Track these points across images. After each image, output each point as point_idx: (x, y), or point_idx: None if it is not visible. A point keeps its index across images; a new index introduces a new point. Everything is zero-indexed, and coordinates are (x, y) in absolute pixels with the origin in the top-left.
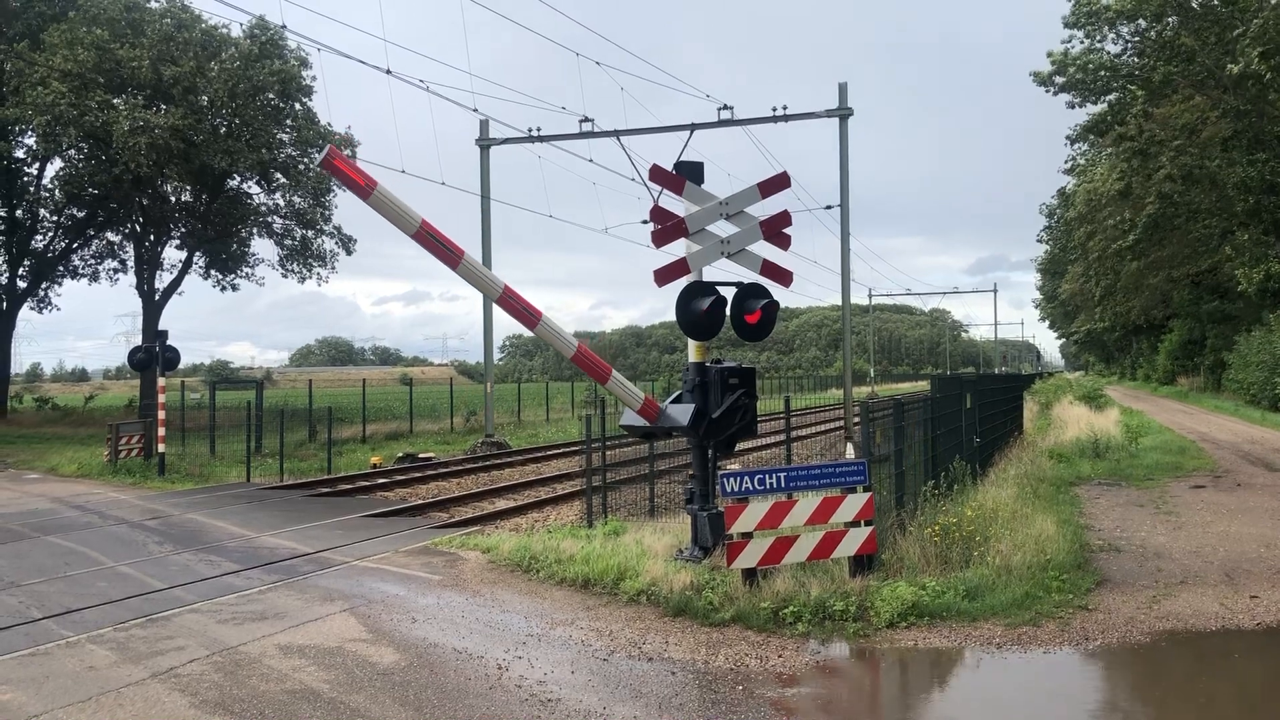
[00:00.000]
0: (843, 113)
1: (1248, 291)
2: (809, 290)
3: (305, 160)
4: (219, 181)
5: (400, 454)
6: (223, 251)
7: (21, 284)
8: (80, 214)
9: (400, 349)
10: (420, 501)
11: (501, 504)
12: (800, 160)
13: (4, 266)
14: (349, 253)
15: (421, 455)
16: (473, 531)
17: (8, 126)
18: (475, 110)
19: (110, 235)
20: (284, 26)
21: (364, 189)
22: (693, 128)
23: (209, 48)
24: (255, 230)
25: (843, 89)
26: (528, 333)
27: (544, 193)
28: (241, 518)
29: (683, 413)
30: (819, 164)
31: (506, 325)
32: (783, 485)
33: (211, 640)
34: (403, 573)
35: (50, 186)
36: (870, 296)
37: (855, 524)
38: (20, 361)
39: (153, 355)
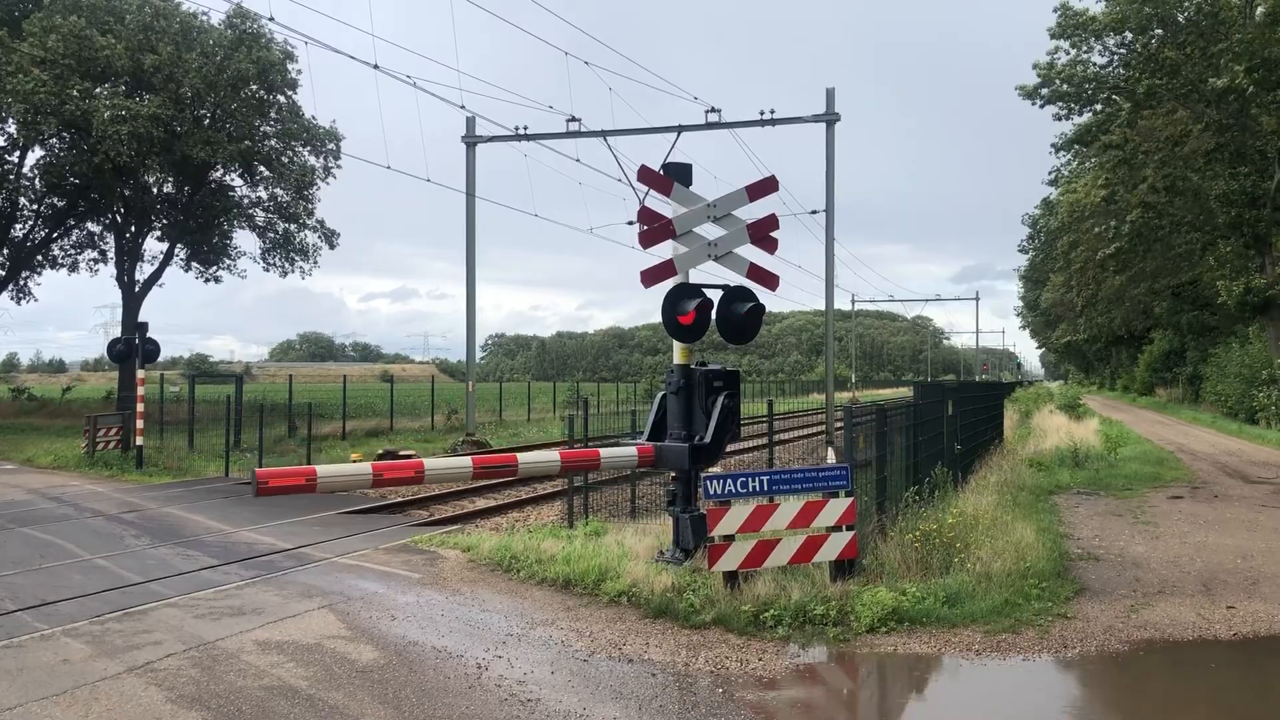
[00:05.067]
0: (830, 118)
1: (1228, 304)
2: (792, 295)
3: (289, 153)
4: (201, 173)
5: (380, 451)
6: (204, 244)
7: (0, 273)
8: (61, 203)
9: (382, 346)
10: (400, 499)
11: (482, 503)
12: (787, 164)
13: None
14: (332, 247)
15: (402, 453)
16: (453, 530)
17: None
18: (463, 107)
19: (91, 225)
20: (271, 18)
21: (308, 486)
22: (680, 129)
23: (188, 36)
24: (237, 223)
25: (830, 94)
26: (510, 332)
27: (530, 192)
28: (219, 512)
29: (679, 453)
30: (805, 169)
31: (490, 324)
32: (765, 489)
33: (188, 635)
34: (382, 570)
35: (30, 175)
36: (853, 302)
37: (837, 529)
38: None
39: (132, 347)
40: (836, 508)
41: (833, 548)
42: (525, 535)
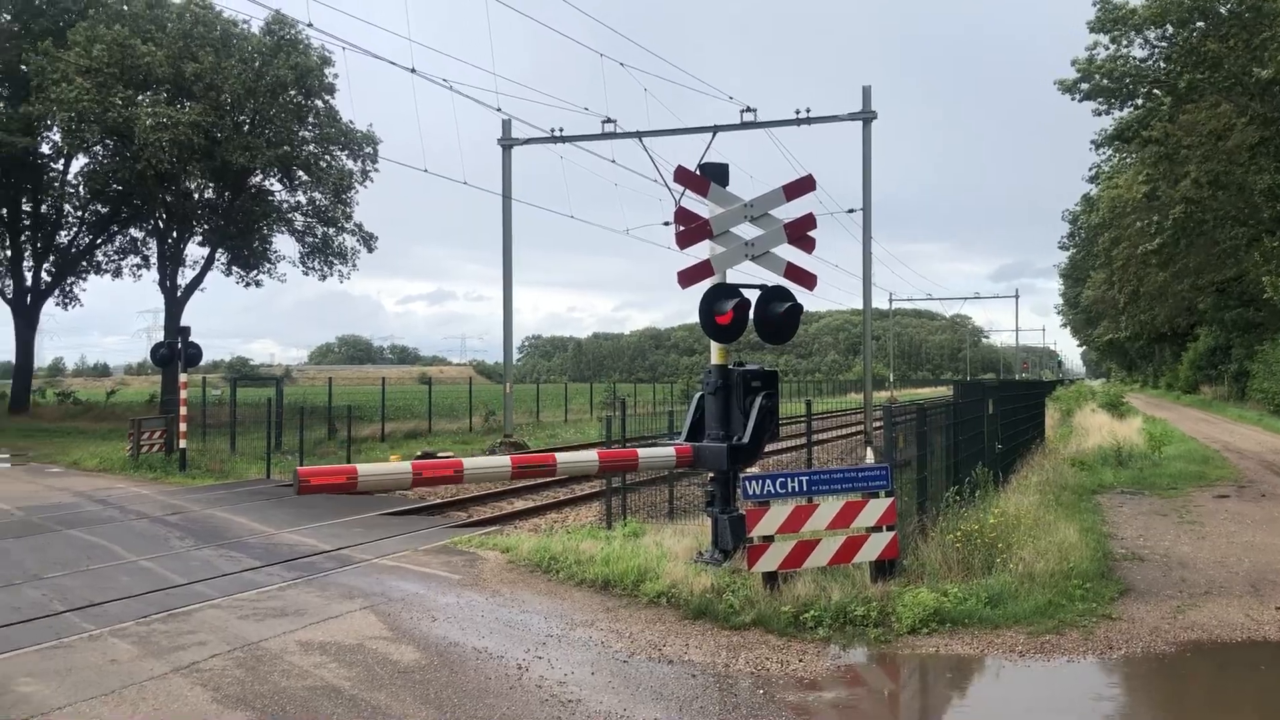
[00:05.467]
0: (866, 116)
1: (1274, 299)
2: (829, 294)
3: (327, 158)
4: (240, 178)
5: (419, 453)
6: (244, 248)
7: (46, 279)
8: (104, 210)
9: (419, 348)
10: (439, 500)
11: (520, 504)
12: (823, 163)
13: (29, 261)
14: (370, 250)
15: (440, 454)
16: (492, 531)
17: (33, 123)
18: (499, 110)
19: (134, 231)
20: (310, 24)
21: (349, 484)
22: (715, 129)
23: (227, 44)
24: (277, 227)
25: (866, 92)
26: (547, 333)
27: (566, 194)
28: (261, 514)
29: (717, 453)
30: (841, 167)
31: (527, 326)
32: (804, 489)
33: (233, 636)
34: (422, 571)
35: (75, 182)
36: (891, 301)
37: (877, 529)
38: (43, 356)
39: (175, 351)
40: (876, 508)
41: (873, 548)
42: (564, 536)
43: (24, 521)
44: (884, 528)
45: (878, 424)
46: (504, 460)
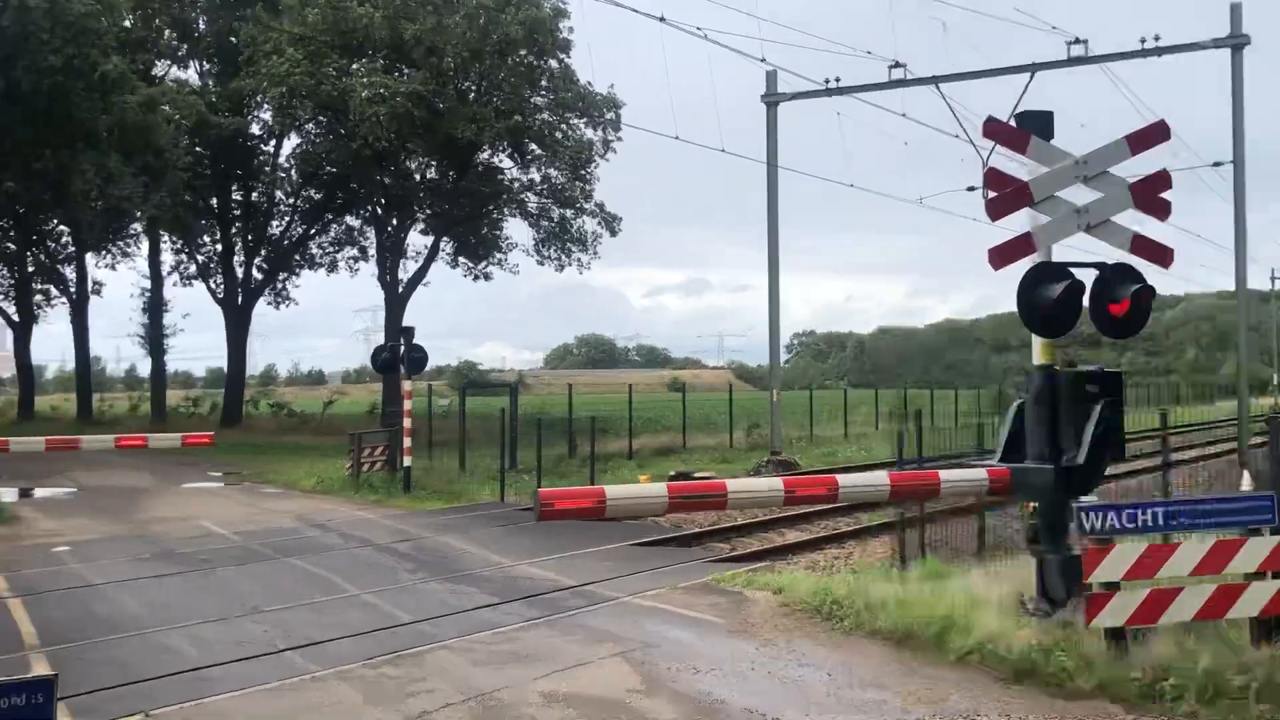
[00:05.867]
0: (1236, 41)
1: None
2: (1188, 272)
3: (563, 127)
4: (466, 155)
5: (672, 473)
6: (472, 235)
7: (257, 275)
8: (318, 196)
9: (669, 349)
10: (696, 529)
11: (793, 536)
12: (1178, 106)
13: (239, 256)
14: (613, 234)
15: (697, 475)
16: (760, 567)
17: (243, 100)
18: (762, 60)
19: (349, 219)
20: None
21: (597, 509)
22: (1034, 69)
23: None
24: (508, 210)
25: (1235, 10)
26: (821, 329)
27: (843, 158)
28: (496, 543)
29: (1042, 478)
30: (1203, 110)
31: (796, 320)
32: (1160, 523)
33: (465, 683)
34: (680, 613)
35: (286, 165)
36: (1273, 279)
37: (1260, 575)
38: (255, 362)
39: (398, 356)
40: (1259, 548)
41: (1255, 600)
42: (848, 576)
43: (243, 548)
44: (1270, 574)
45: (1258, 439)
46: (774, 483)
